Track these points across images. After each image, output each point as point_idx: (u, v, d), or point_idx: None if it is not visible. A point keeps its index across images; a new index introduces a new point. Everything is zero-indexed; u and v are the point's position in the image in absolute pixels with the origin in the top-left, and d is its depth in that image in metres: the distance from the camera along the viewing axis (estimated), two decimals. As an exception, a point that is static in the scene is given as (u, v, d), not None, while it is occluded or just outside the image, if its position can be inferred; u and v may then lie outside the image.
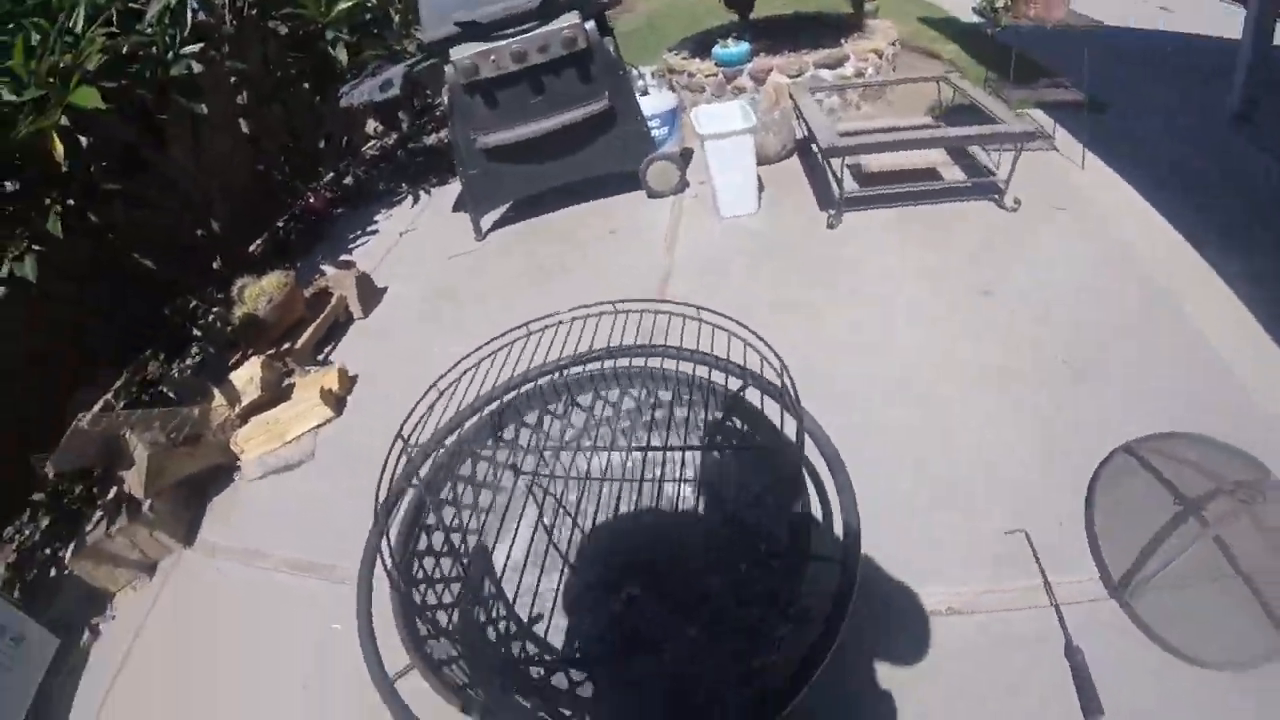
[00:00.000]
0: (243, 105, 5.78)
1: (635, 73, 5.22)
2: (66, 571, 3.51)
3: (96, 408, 4.41)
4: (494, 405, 2.29)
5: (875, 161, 4.67)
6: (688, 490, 2.33)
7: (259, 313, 4.21)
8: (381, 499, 1.82)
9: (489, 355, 2.15)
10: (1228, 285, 3.62)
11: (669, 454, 2.25)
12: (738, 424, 2.27)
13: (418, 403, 1.99)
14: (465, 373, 2.08)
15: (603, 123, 4.83)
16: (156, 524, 3.53)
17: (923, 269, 4.00)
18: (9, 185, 3.87)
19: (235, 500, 3.73)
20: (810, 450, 1.93)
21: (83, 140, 3.97)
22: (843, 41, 6.20)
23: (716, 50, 6.08)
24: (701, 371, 2.26)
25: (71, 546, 3.52)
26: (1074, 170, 4.79)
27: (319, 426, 3.87)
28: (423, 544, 2.14)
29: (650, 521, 2.26)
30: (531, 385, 2.31)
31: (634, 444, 2.36)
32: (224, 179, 5.42)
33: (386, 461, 1.83)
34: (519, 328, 2.15)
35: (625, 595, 2.18)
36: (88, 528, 3.59)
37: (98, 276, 4.64)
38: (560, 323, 2.18)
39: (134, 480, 3.51)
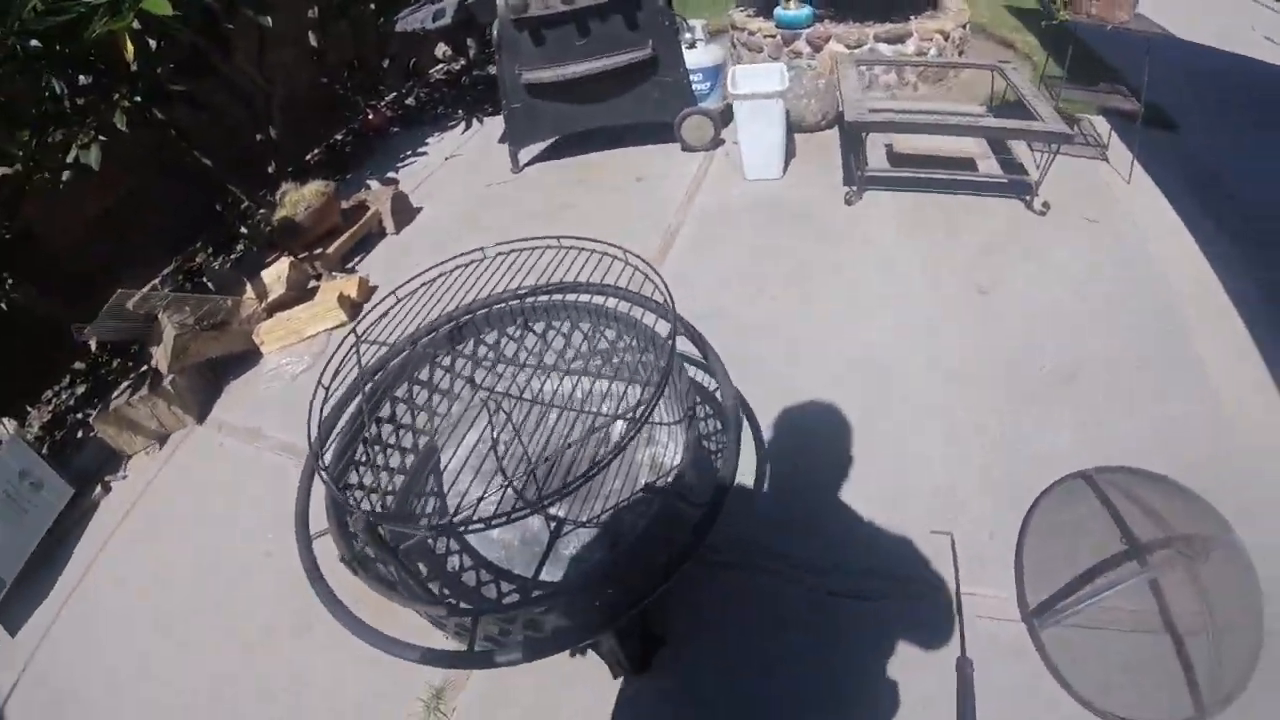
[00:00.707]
0: (311, 19, 6.03)
1: (686, 25, 5.26)
2: (92, 433, 3.88)
3: (145, 290, 4.81)
4: (454, 321, 2.49)
5: (909, 143, 4.61)
6: (621, 425, 2.50)
7: (296, 217, 4.50)
8: (327, 385, 2.03)
9: (453, 270, 2.33)
10: (1249, 332, 3.38)
11: (611, 386, 2.47)
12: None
13: (374, 306, 2.21)
14: (423, 285, 2.27)
15: (645, 71, 4.92)
16: (175, 398, 3.87)
17: (927, 257, 3.99)
18: (82, 79, 4.14)
19: (248, 384, 4.06)
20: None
21: (151, 43, 4.23)
22: (911, 18, 6.04)
23: (778, 11, 6.04)
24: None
25: (97, 410, 3.89)
26: (1119, 184, 4.56)
27: (333, 329, 4.14)
28: (372, 432, 2.36)
29: (585, 451, 2.43)
30: (490, 309, 2.49)
31: (581, 372, 2.56)
32: (287, 89, 5.68)
33: (334, 354, 2.05)
34: (475, 250, 2.33)
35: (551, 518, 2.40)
36: (114, 395, 3.95)
37: (158, 170, 4.98)
38: (516, 251, 2.35)
39: (160, 356, 3.84)
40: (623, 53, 4.80)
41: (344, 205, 4.95)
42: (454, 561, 2.39)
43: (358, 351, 2.15)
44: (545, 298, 2.49)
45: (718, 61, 5.41)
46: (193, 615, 3.02)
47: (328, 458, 2.09)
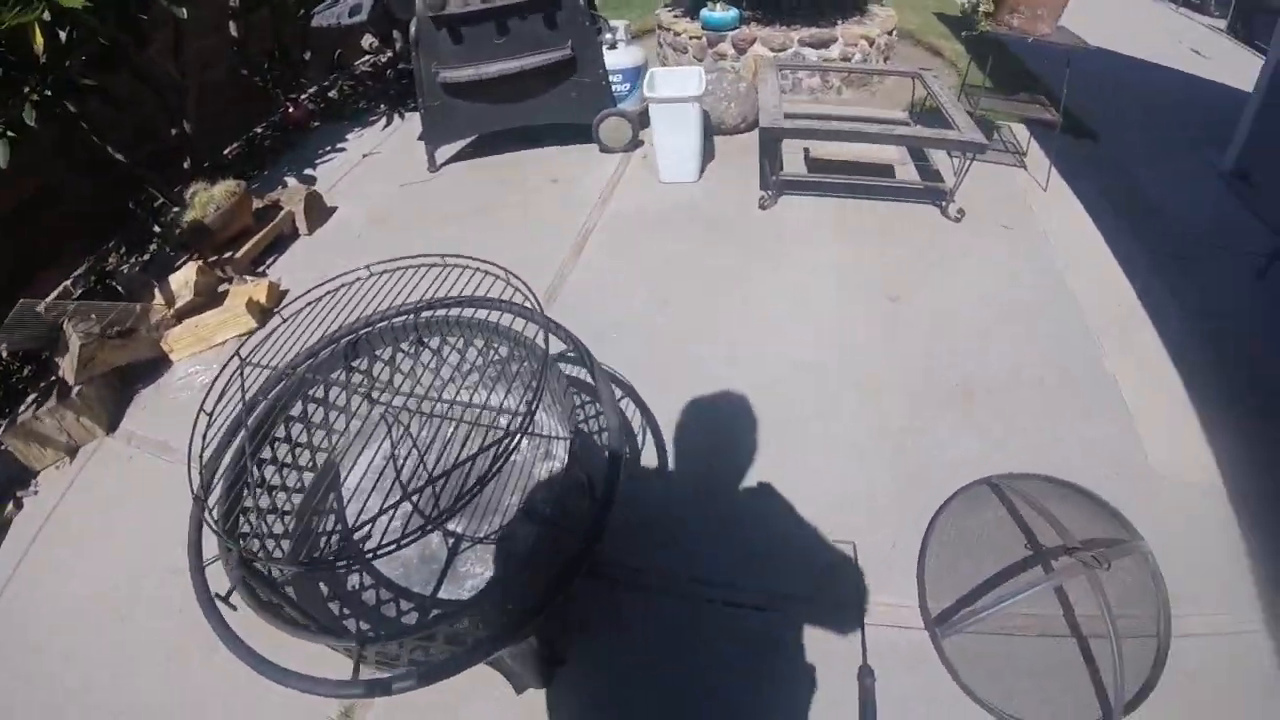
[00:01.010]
0: (232, 7, 5.91)
1: (607, 25, 5.27)
2: (0, 447, 3.80)
3: (54, 295, 4.72)
4: (349, 336, 2.50)
5: (826, 149, 4.69)
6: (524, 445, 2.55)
7: (205, 219, 4.43)
8: (210, 411, 2.04)
9: (339, 289, 2.35)
10: (1161, 342, 3.50)
11: (506, 399, 2.51)
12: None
13: (259, 328, 2.22)
14: (309, 305, 2.29)
15: (564, 71, 4.95)
16: (83, 409, 3.81)
17: (840, 264, 4.03)
18: (-11, 73, 4.03)
19: (158, 394, 4.01)
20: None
21: (62, 35, 4.14)
22: (838, 23, 6.11)
23: (704, 13, 6.10)
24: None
25: (4, 424, 3.81)
26: (1036, 192, 4.71)
27: (243, 335, 4.10)
28: (267, 454, 2.38)
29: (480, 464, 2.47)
30: (383, 324, 2.51)
31: (477, 385, 2.59)
32: (204, 80, 5.58)
33: (215, 380, 2.07)
34: (362, 268, 2.35)
35: (448, 534, 2.44)
36: (20, 408, 3.87)
37: (69, 166, 4.88)
38: (404, 269, 2.37)
39: (67, 366, 3.78)
40: (542, 52, 4.82)
41: (257, 205, 4.89)
42: (353, 580, 2.42)
43: (241, 375, 2.15)
44: (439, 312, 2.52)
45: (638, 63, 5.46)
46: (105, 635, 3.00)
47: (218, 486, 2.11)
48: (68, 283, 5.03)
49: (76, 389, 3.79)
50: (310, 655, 1.83)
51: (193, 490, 1.87)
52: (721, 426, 3.18)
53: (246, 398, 2.22)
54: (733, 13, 6.01)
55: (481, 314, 2.55)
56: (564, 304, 3.92)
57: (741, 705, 2.31)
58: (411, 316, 2.52)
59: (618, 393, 3.28)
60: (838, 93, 6.15)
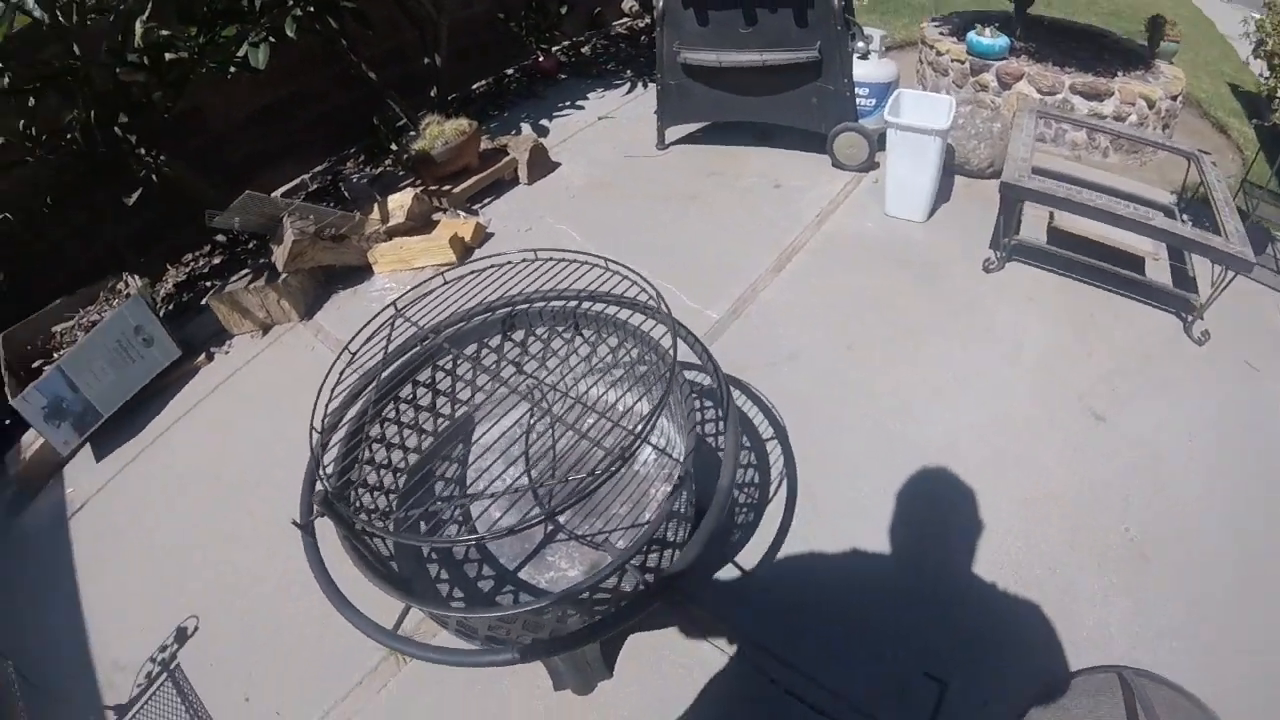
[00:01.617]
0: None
1: (861, 33, 5.01)
2: (204, 303, 4.24)
3: (289, 187, 5.15)
4: (509, 308, 2.55)
5: (1072, 221, 4.05)
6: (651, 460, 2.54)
7: (432, 151, 4.67)
8: (354, 350, 2.15)
9: (508, 264, 2.40)
10: None
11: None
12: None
13: (422, 282, 2.32)
14: (475, 273, 2.36)
15: (807, 74, 4.75)
16: (285, 294, 4.16)
17: (1047, 355, 3.52)
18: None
19: (353, 298, 4.31)
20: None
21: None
22: (1117, 74, 5.49)
23: (971, 36, 5.67)
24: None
25: (213, 290, 4.23)
26: None
27: (441, 265, 4.31)
28: (406, 393, 2.49)
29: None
30: (544, 304, 2.55)
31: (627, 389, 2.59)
32: (460, 17, 5.87)
33: (370, 322, 2.17)
34: (530, 252, 2.39)
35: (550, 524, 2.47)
36: (233, 278, 4.29)
37: (322, 75, 5.32)
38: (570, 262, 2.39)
39: (279, 255, 4.11)
40: (787, 50, 4.63)
41: (486, 146, 5.10)
42: (451, 530, 2.50)
43: (391, 325, 2.24)
44: (597, 307, 2.51)
45: (889, 78, 5.11)
46: (242, 496, 3.37)
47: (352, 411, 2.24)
48: (305, 176, 5.48)
49: (283, 276, 4.13)
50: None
51: (313, 427, 1.96)
52: (850, 491, 2.96)
53: (392, 347, 2.31)
54: (1002, 41, 5.53)
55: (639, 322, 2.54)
56: (747, 320, 3.80)
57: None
58: (571, 304, 2.53)
59: (767, 431, 3.18)
60: (1103, 154, 5.49)
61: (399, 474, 2.46)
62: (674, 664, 2.49)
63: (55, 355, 3.85)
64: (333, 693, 2.63)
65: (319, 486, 1.88)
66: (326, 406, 2.07)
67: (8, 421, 4.07)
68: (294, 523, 1.92)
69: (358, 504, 2.08)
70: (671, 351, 2.01)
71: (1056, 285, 3.91)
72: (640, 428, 1.81)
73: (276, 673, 2.75)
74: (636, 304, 2.39)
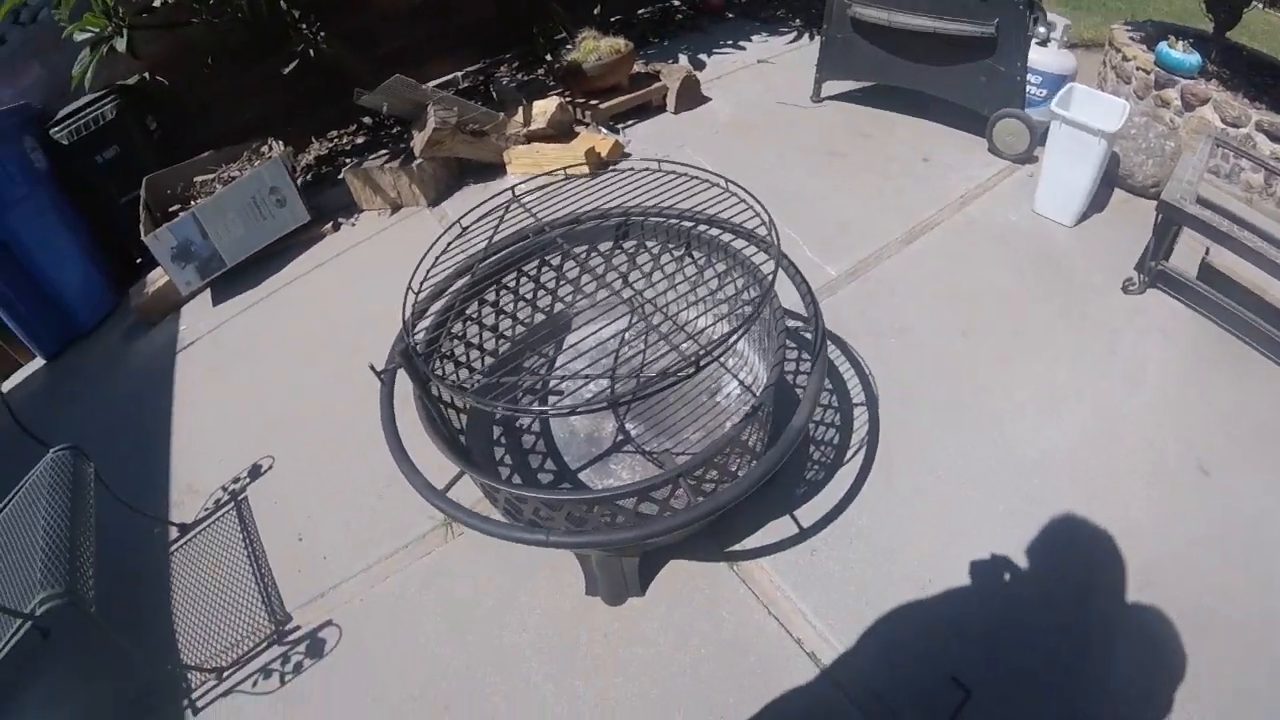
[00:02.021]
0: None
1: (1044, 17, 4.69)
2: (341, 179, 4.39)
3: (440, 82, 5.26)
4: (624, 218, 2.54)
5: (1228, 261, 3.74)
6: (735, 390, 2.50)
7: (584, 64, 4.69)
8: (465, 225, 2.18)
9: (629, 170, 2.39)
10: None
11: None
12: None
13: (544, 174, 2.32)
14: (597, 176, 2.35)
15: (979, 50, 4.50)
16: (417, 178, 4.27)
17: (1163, 397, 3.17)
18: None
19: (483, 192, 4.40)
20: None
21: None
22: None
23: (1162, 47, 5.27)
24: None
25: (350, 164, 4.39)
26: None
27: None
28: (509, 279, 2.53)
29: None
30: (660, 219, 2.52)
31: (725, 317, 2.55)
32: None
33: (486, 201, 2.19)
34: (654, 161, 2.36)
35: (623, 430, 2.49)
36: (371, 156, 4.42)
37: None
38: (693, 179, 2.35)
39: (418, 140, 4.22)
40: (963, 20, 4.39)
41: (639, 70, 5.08)
42: (524, 420, 2.55)
43: (505, 210, 2.26)
44: (710, 231, 2.47)
45: (1065, 71, 4.78)
46: (340, 356, 3.56)
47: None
48: (457, 74, 5.58)
49: (419, 161, 4.24)
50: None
51: (410, 287, 2.01)
52: (933, 480, 2.81)
53: (503, 236, 2.33)
54: (1194, 59, 5.10)
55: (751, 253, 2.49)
56: (864, 284, 3.69)
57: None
58: (686, 224, 2.50)
59: (859, 397, 3.08)
60: (1278, 204, 5.10)
61: (485, 355, 2.50)
62: (705, 597, 2.48)
63: (192, 203, 4.05)
64: (379, 549, 2.77)
65: (403, 342, 1.91)
66: (428, 272, 2.10)
67: (139, 261, 4.36)
68: (371, 367, 1.97)
69: (440, 370, 2.13)
70: (770, 279, 1.95)
71: (1194, 324, 3.55)
72: (720, 341, 1.77)
73: (332, 521, 2.91)
74: (752, 235, 2.34)
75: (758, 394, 2.45)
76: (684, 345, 2.24)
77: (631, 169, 2.37)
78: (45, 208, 4.12)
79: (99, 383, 3.90)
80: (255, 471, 3.15)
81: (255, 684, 2.46)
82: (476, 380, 2.43)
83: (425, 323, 2.18)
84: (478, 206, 2.28)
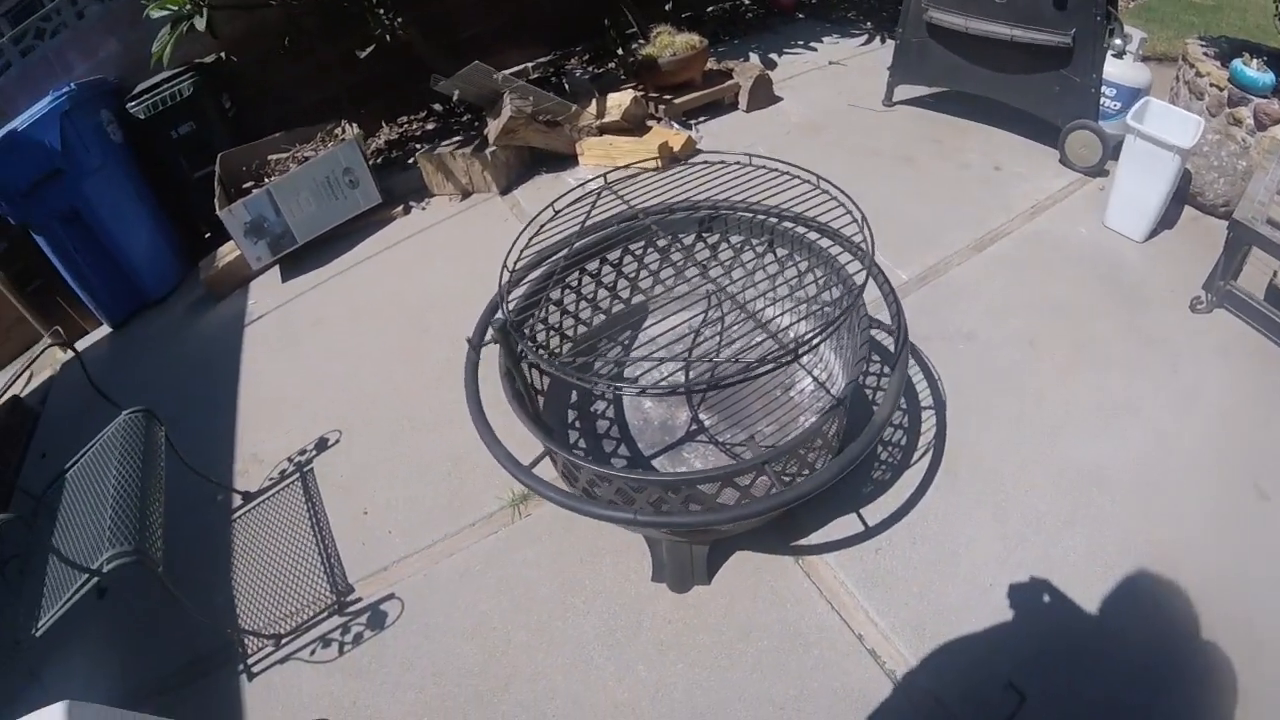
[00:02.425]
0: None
1: (1121, 29, 4.63)
2: (413, 162, 4.45)
3: (511, 71, 5.32)
4: (713, 210, 2.56)
5: None
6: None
7: (659, 59, 4.72)
8: (558, 209, 2.22)
9: (720, 164, 2.40)
10: None
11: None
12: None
13: (634, 164, 2.34)
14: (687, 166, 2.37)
15: (1054, 59, 4.46)
16: (490, 165, 4.34)
17: (1222, 418, 3.08)
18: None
19: (554, 182, 4.47)
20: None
21: None
22: None
23: (1237, 64, 5.17)
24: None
25: (424, 148, 4.46)
26: None
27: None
28: (593, 267, 2.59)
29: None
30: (746, 214, 2.54)
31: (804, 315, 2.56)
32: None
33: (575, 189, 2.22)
34: (744, 155, 2.37)
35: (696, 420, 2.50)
36: (444, 142, 4.49)
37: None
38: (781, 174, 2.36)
39: (493, 128, 4.29)
40: (1039, 29, 4.35)
41: (711, 66, 5.10)
42: (599, 406, 2.58)
43: (597, 196, 2.29)
44: (794, 228, 2.48)
45: (1140, 84, 4.71)
46: (411, 336, 3.65)
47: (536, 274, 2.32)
48: (528, 64, 5.63)
49: (492, 149, 4.30)
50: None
51: (505, 265, 2.04)
52: (997, 484, 2.78)
53: (590, 222, 2.36)
54: (1269, 77, 4.98)
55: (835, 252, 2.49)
56: (933, 289, 3.69)
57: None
58: (771, 220, 2.51)
59: (926, 400, 3.07)
60: None
61: (565, 340, 2.54)
62: (770, 590, 2.49)
63: (266, 180, 4.14)
64: (444, 526, 2.82)
65: (499, 315, 1.94)
66: (521, 251, 2.14)
67: (208, 235, 4.47)
68: (467, 340, 2.01)
69: (523, 351, 2.16)
70: (865, 272, 1.96)
71: (1258, 347, 3.45)
72: (805, 339, 1.78)
73: (397, 497, 2.96)
74: (838, 235, 2.35)
75: (833, 391, 2.45)
76: (763, 341, 2.24)
77: (723, 162, 2.39)
78: (119, 179, 4.25)
79: (165, 352, 4.03)
80: (322, 445, 3.22)
81: (313, 652, 2.51)
82: (554, 363, 2.47)
83: (514, 301, 2.21)
84: (560, 198, 2.31)
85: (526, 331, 2.24)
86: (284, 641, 2.53)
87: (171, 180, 4.53)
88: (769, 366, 1.66)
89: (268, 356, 3.74)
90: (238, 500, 3.05)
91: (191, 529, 2.91)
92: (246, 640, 2.53)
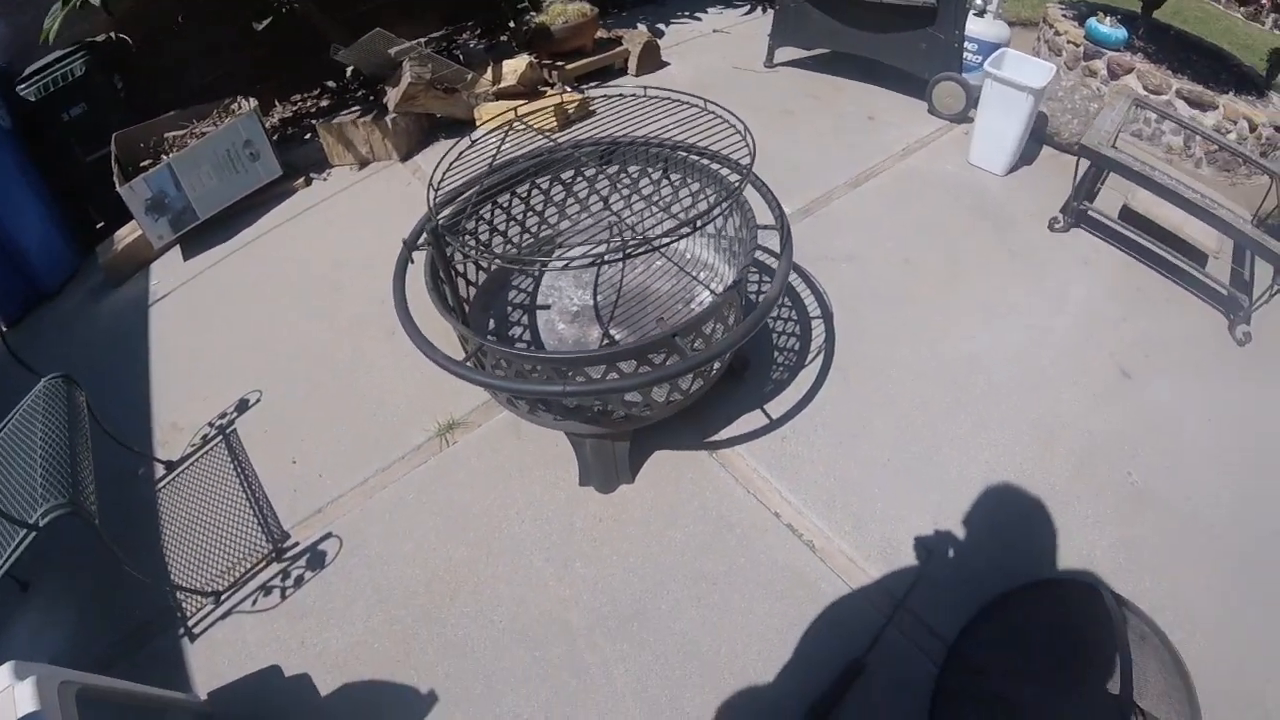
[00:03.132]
0: None
1: None
2: (311, 136, 4.50)
3: (405, 46, 5.37)
4: (612, 144, 2.75)
5: (1147, 204, 3.98)
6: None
7: (552, 26, 4.89)
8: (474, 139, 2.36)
9: (619, 96, 2.60)
10: None
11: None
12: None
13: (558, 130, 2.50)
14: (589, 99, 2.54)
15: (921, 19, 4.82)
16: (389, 133, 4.41)
17: (1089, 315, 3.54)
18: None
19: (454, 148, 4.51)
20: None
21: None
22: (1228, 92, 5.32)
23: (1091, 22, 5.66)
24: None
25: (323, 118, 4.50)
26: None
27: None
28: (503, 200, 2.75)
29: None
30: (644, 147, 2.74)
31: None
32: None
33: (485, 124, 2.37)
34: (640, 89, 2.58)
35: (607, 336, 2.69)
36: (343, 112, 4.54)
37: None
38: (674, 101, 2.57)
39: (392, 96, 4.36)
40: (907, -9, 4.74)
41: (602, 35, 5.30)
42: (516, 330, 2.74)
43: (505, 133, 2.45)
44: (686, 155, 2.69)
45: (999, 39, 5.13)
46: (317, 296, 3.71)
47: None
48: (420, 41, 5.68)
49: (392, 116, 4.37)
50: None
51: (430, 184, 2.18)
52: (885, 381, 3.13)
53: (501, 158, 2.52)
54: (1121, 33, 5.50)
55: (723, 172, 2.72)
56: (816, 218, 4.01)
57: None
58: (668, 150, 2.72)
59: (815, 312, 3.38)
60: (1195, 164, 5.42)
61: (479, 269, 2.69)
62: (690, 481, 2.73)
63: (163, 159, 4.09)
64: (374, 463, 2.93)
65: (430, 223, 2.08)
66: (444, 174, 2.30)
67: (100, 225, 4.38)
68: (404, 241, 2.13)
69: (452, 251, 2.30)
70: (748, 168, 2.17)
71: (1114, 258, 3.96)
72: (716, 204, 1.99)
73: (325, 443, 3.05)
74: (726, 159, 2.57)
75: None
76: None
77: (620, 94, 2.58)
78: (8, 166, 4.01)
79: (70, 338, 3.91)
80: (242, 406, 3.24)
81: (255, 602, 2.55)
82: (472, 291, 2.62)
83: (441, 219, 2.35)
84: (485, 122, 2.48)
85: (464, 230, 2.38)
86: (224, 597, 2.55)
87: (62, 167, 4.39)
88: (675, 236, 1.84)
89: (177, 332, 3.70)
90: (160, 470, 3.02)
91: (117, 501, 2.81)
92: (185, 602, 2.53)
